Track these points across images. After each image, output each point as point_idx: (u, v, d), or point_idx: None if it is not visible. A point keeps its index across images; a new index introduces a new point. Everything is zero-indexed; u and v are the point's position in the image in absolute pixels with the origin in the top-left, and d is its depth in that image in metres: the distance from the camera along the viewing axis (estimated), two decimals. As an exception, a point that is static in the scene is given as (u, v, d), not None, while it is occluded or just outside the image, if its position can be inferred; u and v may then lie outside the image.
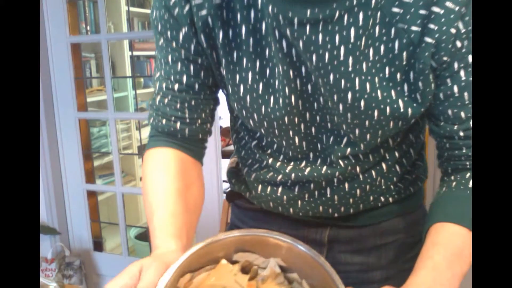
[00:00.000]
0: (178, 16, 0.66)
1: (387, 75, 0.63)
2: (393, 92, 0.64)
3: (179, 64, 0.69)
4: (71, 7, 2.21)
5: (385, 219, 0.80)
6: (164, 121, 0.72)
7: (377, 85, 0.63)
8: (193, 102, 0.72)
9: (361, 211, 0.78)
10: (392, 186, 0.78)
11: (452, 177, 0.68)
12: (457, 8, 0.58)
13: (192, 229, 0.67)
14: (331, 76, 0.63)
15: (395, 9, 0.60)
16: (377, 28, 0.61)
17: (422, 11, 0.59)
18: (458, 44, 0.59)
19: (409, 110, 0.64)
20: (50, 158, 2.27)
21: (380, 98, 0.63)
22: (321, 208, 0.77)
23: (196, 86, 0.71)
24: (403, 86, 0.64)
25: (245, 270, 0.56)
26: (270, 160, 0.76)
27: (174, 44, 0.69)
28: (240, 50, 0.66)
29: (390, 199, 0.79)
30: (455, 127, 0.65)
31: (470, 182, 0.65)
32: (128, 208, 2.53)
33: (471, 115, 0.63)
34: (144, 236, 2.67)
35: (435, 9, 0.58)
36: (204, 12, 0.65)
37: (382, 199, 0.78)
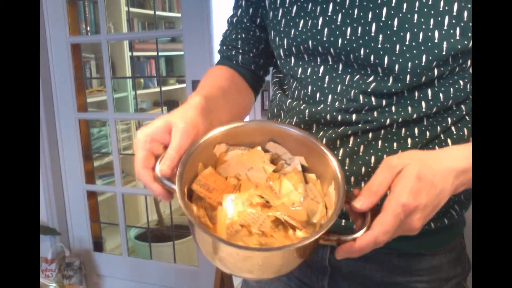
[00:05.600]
0: None
1: (430, 2, 0.63)
2: (431, 20, 0.63)
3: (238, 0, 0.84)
4: (71, 7, 2.21)
5: (397, 249, 0.64)
6: (224, 47, 0.87)
7: (416, 9, 0.63)
8: (243, 35, 0.84)
9: None
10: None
11: None
12: None
13: (224, 111, 0.74)
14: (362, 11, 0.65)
15: None
16: None
17: None
18: None
19: (444, 43, 0.62)
20: (50, 158, 2.27)
21: (415, 21, 0.63)
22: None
23: (245, 20, 0.83)
24: (444, 17, 0.62)
25: (273, 162, 0.63)
26: (288, 102, 0.75)
27: None
28: None
29: None
30: None
31: None
32: (128, 208, 2.53)
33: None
34: (144, 236, 2.67)
35: None
36: None
37: None
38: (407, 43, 0.63)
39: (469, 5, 0.62)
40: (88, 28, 2.78)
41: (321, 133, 0.71)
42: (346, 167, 0.69)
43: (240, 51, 0.85)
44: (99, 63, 2.97)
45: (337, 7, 0.68)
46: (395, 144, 0.68)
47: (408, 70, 0.64)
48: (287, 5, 0.74)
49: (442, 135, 0.69)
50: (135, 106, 3.13)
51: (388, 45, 0.64)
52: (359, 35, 0.66)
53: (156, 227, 2.88)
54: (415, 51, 0.63)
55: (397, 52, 0.64)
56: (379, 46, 0.65)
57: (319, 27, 0.69)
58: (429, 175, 0.53)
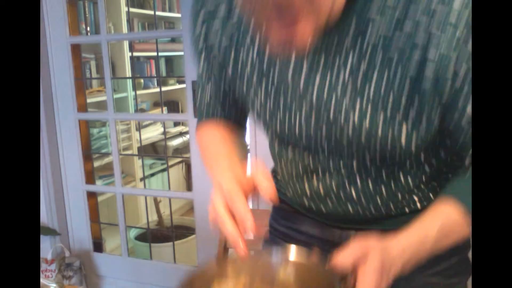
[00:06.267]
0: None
1: (388, 114, 0.65)
2: (395, 130, 0.65)
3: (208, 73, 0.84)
4: (71, 7, 2.21)
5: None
6: (203, 118, 0.88)
7: (378, 122, 0.65)
8: (220, 108, 0.86)
9: (392, 215, 0.77)
10: (419, 191, 0.76)
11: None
12: (456, 35, 0.58)
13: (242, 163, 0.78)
14: (331, 113, 0.68)
15: (392, 50, 0.62)
16: (374, 68, 0.64)
17: (417, 54, 0.60)
18: (460, 71, 0.59)
19: (412, 145, 0.66)
20: (50, 158, 2.27)
21: (380, 135, 0.66)
22: (350, 206, 0.77)
23: (221, 95, 0.84)
24: (403, 124, 0.65)
25: None
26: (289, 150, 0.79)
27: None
28: (251, 69, 0.75)
29: (419, 205, 0.77)
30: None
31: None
32: (128, 209, 2.53)
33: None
34: (144, 237, 2.67)
35: (431, 49, 0.59)
36: (216, 52, 0.78)
37: (411, 204, 0.77)
38: (377, 151, 0.69)
39: (423, 111, 0.64)
40: (88, 28, 2.78)
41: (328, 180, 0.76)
42: (363, 201, 0.76)
43: (220, 115, 0.87)
44: (99, 63, 2.97)
45: (309, 112, 0.71)
46: (395, 169, 0.73)
47: (383, 169, 0.72)
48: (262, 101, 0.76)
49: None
50: (135, 107, 3.13)
51: (359, 150, 0.70)
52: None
53: (156, 227, 2.88)
54: (387, 154, 0.69)
55: (368, 157, 0.70)
56: (354, 149, 0.70)
57: (296, 130, 0.73)
58: (388, 263, 0.62)
